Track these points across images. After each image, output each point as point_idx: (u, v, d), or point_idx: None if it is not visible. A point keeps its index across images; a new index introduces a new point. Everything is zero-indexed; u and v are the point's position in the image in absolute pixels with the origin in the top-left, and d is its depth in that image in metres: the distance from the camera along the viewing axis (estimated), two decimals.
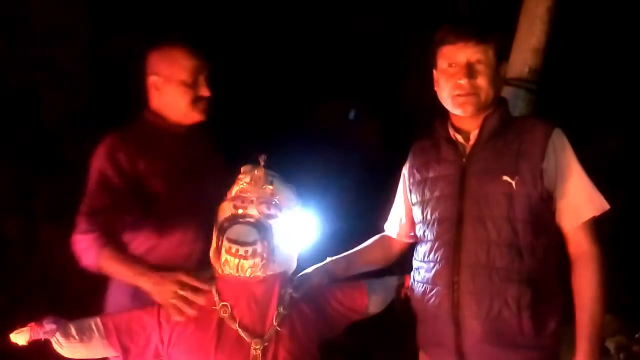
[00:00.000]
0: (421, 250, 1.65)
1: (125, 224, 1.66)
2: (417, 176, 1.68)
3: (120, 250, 1.58)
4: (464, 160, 1.58)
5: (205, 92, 1.78)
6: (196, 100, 1.78)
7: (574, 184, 1.52)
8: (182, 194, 1.73)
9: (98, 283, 1.73)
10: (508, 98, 1.79)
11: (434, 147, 1.67)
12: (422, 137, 1.74)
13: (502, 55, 1.58)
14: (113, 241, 1.57)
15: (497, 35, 1.56)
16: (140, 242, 1.73)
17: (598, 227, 1.53)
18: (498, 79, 1.57)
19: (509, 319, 1.48)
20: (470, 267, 1.50)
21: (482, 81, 1.53)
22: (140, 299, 1.62)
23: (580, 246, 1.52)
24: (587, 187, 1.53)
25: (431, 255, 1.59)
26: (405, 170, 1.77)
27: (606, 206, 1.53)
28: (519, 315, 1.48)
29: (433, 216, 1.61)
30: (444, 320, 1.54)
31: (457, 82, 1.54)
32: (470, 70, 1.52)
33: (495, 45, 1.54)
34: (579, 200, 1.52)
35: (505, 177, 1.50)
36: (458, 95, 1.55)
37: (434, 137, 1.67)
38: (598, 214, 1.52)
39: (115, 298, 1.74)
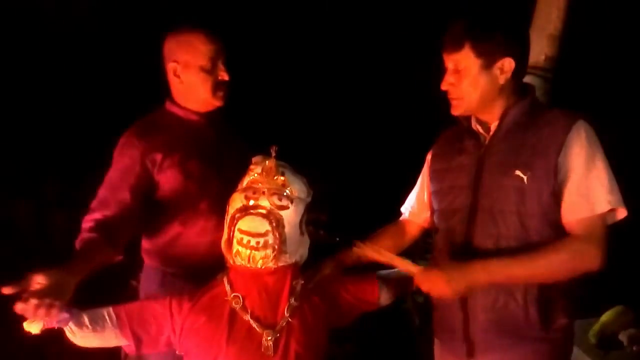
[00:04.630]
0: (435, 239, 1.67)
1: (133, 217, 1.65)
2: (438, 165, 1.69)
3: (95, 245, 1.52)
4: (482, 151, 1.57)
5: (224, 76, 1.77)
6: (216, 85, 1.76)
7: (578, 180, 1.44)
8: (204, 182, 1.73)
9: (108, 270, 1.74)
10: None
11: (457, 137, 1.66)
12: (450, 127, 1.73)
13: (493, 54, 1.49)
14: (97, 235, 1.53)
15: (479, 37, 1.49)
16: (164, 231, 1.74)
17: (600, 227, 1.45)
18: (487, 79, 1.51)
19: (515, 311, 1.49)
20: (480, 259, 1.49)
21: (463, 87, 1.53)
22: (167, 288, 1.64)
23: (574, 233, 1.46)
24: (592, 186, 1.44)
25: (443, 245, 1.60)
26: (429, 157, 1.77)
27: (605, 209, 1.43)
28: (525, 308, 1.48)
29: (448, 206, 1.61)
30: (454, 309, 1.57)
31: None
32: (450, 77, 1.54)
33: (476, 48, 1.49)
34: (581, 197, 1.44)
35: (518, 172, 1.47)
36: (450, 98, 1.57)
37: (459, 127, 1.67)
38: (595, 214, 1.44)
39: (146, 286, 1.76)
